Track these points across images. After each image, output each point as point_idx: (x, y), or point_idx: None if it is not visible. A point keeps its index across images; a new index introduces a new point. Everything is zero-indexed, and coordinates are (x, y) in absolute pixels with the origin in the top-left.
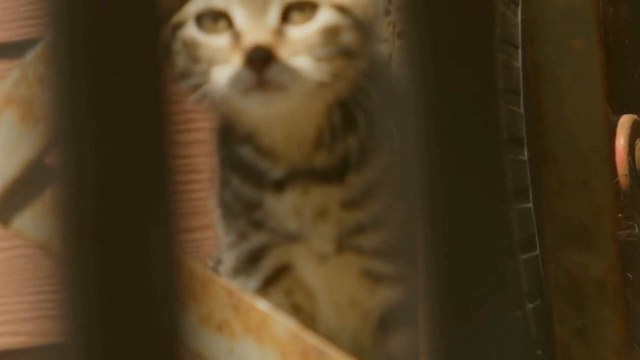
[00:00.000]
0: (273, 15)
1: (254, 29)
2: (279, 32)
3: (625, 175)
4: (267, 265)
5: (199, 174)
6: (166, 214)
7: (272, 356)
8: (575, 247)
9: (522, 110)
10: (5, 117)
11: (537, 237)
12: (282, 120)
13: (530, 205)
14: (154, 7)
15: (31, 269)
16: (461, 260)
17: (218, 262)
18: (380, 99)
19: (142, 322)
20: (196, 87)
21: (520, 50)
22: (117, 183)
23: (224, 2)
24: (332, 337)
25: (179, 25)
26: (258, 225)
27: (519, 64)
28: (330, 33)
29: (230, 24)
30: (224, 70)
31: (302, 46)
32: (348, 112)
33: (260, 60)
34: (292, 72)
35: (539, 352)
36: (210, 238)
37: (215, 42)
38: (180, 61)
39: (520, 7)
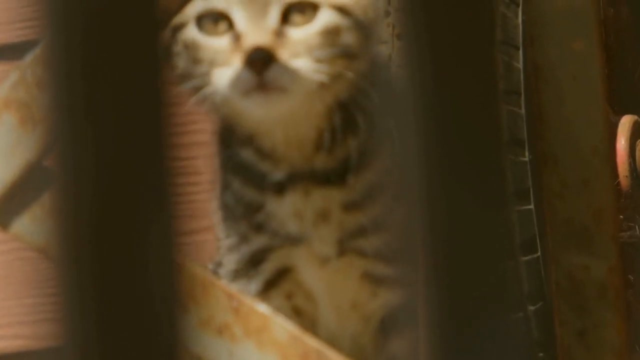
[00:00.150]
0: (273, 16)
1: (254, 31)
2: (279, 34)
3: (626, 176)
4: (268, 268)
5: (199, 176)
6: (165, 217)
7: (272, 359)
8: (576, 249)
9: (523, 111)
10: (4, 120)
11: (538, 239)
12: (282, 122)
13: (532, 206)
14: (152, 9)
15: (30, 272)
16: (462, 263)
17: (218, 265)
18: (380, 101)
19: (141, 326)
20: (197, 89)
21: (521, 51)
22: (116, 186)
23: (224, 3)
24: (332, 340)
25: (180, 27)
26: (259, 228)
27: (520, 65)
28: (331, 34)
29: (230, 25)
30: (225, 72)
31: (302, 47)
32: (348, 113)
33: (261, 62)
34: (292, 74)
35: (540, 354)
36: (210, 241)
37: (216, 43)
38: (181, 63)
39: (520, 7)
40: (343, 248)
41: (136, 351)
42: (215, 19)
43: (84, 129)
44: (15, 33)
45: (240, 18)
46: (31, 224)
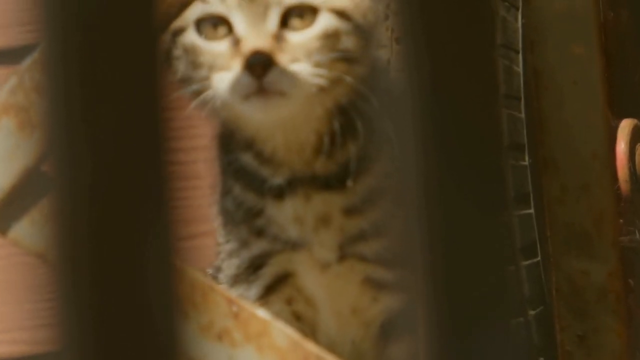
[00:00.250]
0: (272, 20)
1: (254, 35)
2: (278, 38)
3: (626, 180)
4: (268, 273)
5: (199, 180)
6: (163, 222)
7: None
8: (576, 253)
9: (523, 115)
10: (2, 124)
11: (538, 244)
12: (282, 126)
13: (532, 211)
14: (150, 13)
15: (29, 277)
16: (462, 268)
17: (218, 269)
18: (379, 105)
19: (139, 331)
20: (197, 94)
21: (520, 55)
22: (114, 190)
23: (223, 7)
24: (332, 346)
25: (179, 31)
26: (259, 233)
27: (520, 69)
28: (330, 38)
29: (230, 29)
30: (224, 76)
31: (301, 51)
32: (348, 118)
33: (260, 66)
34: (292, 78)
35: (541, 359)
36: (210, 245)
37: (216, 48)
38: (181, 67)
39: (520, 11)
40: (344, 253)
41: (135, 357)
42: (215, 23)
43: (82, 133)
44: (13, 37)
45: (239, 22)
46: (30, 229)
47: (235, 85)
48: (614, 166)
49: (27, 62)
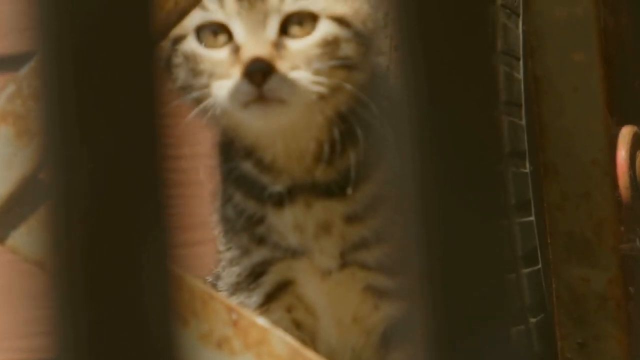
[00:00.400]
0: (272, 28)
1: (253, 42)
2: (278, 45)
3: (627, 187)
4: (269, 280)
5: (198, 188)
6: (161, 229)
7: None
8: (576, 261)
9: (523, 122)
10: (0, 132)
11: (539, 251)
12: (282, 134)
13: (532, 218)
14: (147, 20)
15: (26, 285)
16: (463, 275)
17: (217, 277)
18: (379, 112)
19: (137, 339)
20: (197, 101)
21: (521, 62)
22: (110, 198)
23: (223, 15)
24: (332, 354)
25: (179, 39)
26: (260, 241)
27: (521, 75)
28: (330, 45)
29: (230, 37)
30: (224, 83)
31: (301, 59)
32: (348, 125)
33: (259, 73)
34: (291, 85)
35: None
36: (209, 253)
37: (215, 55)
38: (181, 75)
39: (521, 18)
40: (345, 260)
41: None
42: (215, 31)
43: (78, 140)
44: (12, 44)
45: (239, 30)
46: (28, 237)
47: (235, 93)
48: (614, 173)
49: (25, 69)
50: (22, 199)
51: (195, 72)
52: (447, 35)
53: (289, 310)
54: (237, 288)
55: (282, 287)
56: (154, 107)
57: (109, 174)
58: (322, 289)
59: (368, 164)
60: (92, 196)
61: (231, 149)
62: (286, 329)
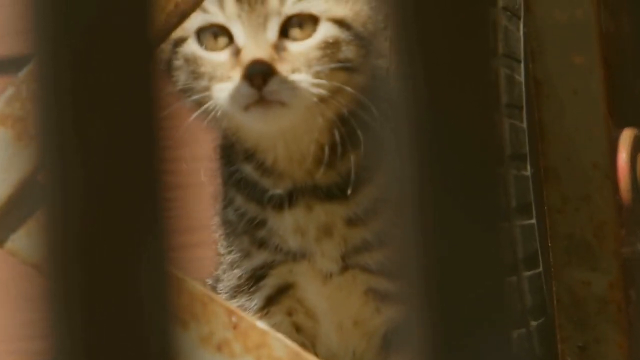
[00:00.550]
0: (272, 30)
1: (254, 45)
2: (278, 47)
3: (628, 190)
4: (269, 284)
5: (198, 190)
6: (158, 232)
7: None
8: (577, 264)
9: (524, 125)
10: (0, 135)
11: (540, 254)
12: (282, 136)
13: (534, 221)
14: (146, 23)
15: (24, 287)
16: (464, 278)
17: (217, 280)
18: (380, 115)
19: (136, 342)
20: (198, 104)
21: (522, 65)
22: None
23: (223, 17)
24: (333, 358)
25: (180, 41)
26: (261, 244)
27: (522, 78)
28: (330, 47)
29: (230, 40)
30: (225, 86)
31: (301, 61)
32: (349, 127)
33: (260, 76)
34: (292, 88)
35: None
36: (209, 256)
37: (216, 58)
38: (182, 77)
39: (522, 20)
40: (346, 263)
41: None
42: (215, 34)
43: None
44: (11, 46)
45: (239, 32)
46: (26, 239)
47: (236, 96)
48: (615, 176)
49: (24, 72)
50: (21, 201)
51: (196, 75)
52: (448, 38)
53: (289, 313)
54: (237, 291)
55: (283, 290)
56: (152, 110)
57: (107, 176)
58: (323, 292)
59: (369, 167)
60: (91, 199)
61: (232, 152)
62: (286, 333)
